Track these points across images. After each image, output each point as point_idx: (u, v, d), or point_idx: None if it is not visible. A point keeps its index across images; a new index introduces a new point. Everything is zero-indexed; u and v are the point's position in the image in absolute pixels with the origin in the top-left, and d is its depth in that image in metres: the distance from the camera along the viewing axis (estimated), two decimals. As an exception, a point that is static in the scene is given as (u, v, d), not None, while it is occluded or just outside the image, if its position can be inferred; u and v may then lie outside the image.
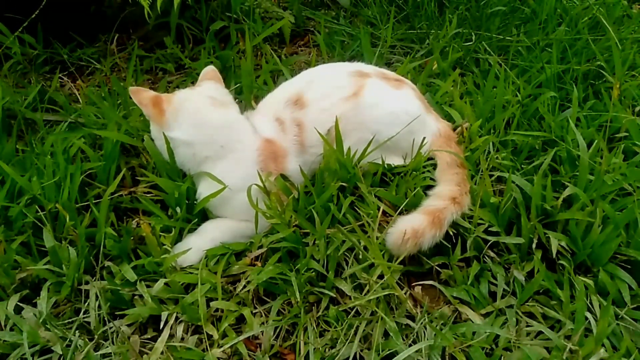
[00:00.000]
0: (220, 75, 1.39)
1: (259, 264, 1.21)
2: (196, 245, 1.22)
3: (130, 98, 1.28)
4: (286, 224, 1.21)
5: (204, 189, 1.26)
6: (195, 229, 1.27)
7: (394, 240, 1.15)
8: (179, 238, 1.26)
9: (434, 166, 1.36)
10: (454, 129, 1.47)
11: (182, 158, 1.28)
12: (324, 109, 1.32)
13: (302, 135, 1.31)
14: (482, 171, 1.33)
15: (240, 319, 1.14)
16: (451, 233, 1.22)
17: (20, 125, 1.59)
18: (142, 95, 1.26)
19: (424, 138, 1.35)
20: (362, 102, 1.32)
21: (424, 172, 1.35)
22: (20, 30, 1.70)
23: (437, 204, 1.21)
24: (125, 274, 1.17)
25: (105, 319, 1.12)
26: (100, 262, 1.21)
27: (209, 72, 1.39)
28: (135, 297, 1.16)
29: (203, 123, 1.26)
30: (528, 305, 1.15)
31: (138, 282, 1.16)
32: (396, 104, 1.35)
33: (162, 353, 1.07)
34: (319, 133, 1.28)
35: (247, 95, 1.63)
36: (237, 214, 1.27)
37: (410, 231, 1.14)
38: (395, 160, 1.36)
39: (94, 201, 1.31)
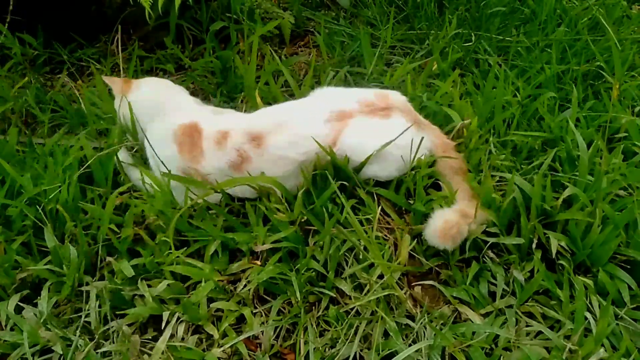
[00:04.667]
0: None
1: (258, 263, 1.21)
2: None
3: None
4: (290, 222, 1.21)
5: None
6: None
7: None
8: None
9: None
10: (454, 130, 1.46)
11: (137, 116, 1.41)
12: (283, 157, 1.26)
13: (241, 165, 1.26)
14: (483, 171, 1.33)
15: (241, 319, 1.15)
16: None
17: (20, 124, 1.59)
18: (113, 78, 1.46)
19: (422, 138, 1.32)
20: (342, 150, 1.26)
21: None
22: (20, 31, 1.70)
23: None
24: (124, 270, 1.16)
25: (107, 318, 1.13)
26: (100, 262, 1.21)
27: None
28: (136, 296, 1.16)
29: (155, 88, 1.45)
30: (528, 305, 1.15)
31: (139, 282, 1.16)
32: (383, 141, 1.26)
33: (162, 353, 1.07)
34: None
35: (249, 93, 1.64)
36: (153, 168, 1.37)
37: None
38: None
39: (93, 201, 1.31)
